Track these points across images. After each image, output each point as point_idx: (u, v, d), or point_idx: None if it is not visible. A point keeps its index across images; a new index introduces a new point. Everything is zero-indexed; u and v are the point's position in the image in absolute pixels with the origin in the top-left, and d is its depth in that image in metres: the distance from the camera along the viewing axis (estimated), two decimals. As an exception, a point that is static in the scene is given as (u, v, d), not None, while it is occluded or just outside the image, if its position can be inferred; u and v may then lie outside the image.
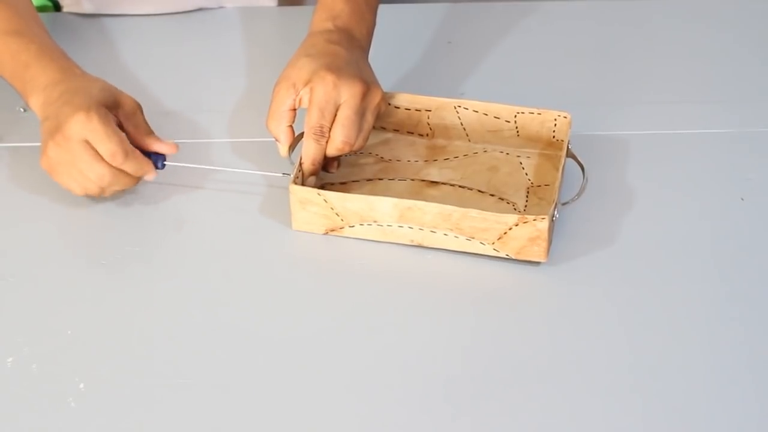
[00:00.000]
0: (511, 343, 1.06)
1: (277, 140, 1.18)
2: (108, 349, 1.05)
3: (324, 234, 1.15)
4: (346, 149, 1.15)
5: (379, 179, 1.21)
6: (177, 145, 1.17)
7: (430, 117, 1.24)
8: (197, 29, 1.45)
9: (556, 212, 1.11)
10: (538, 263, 1.12)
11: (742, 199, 1.20)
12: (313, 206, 1.14)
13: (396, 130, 1.26)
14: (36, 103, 1.17)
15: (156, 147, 1.17)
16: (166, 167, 1.18)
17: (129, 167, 1.13)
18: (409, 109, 1.24)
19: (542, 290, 1.11)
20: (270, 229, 1.16)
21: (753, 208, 1.19)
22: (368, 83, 1.16)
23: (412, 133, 1.26)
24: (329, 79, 1.14)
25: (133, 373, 1.03)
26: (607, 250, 1.14)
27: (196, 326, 1.07)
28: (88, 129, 1.11)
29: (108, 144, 1.11)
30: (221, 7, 1.47)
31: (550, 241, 1.11)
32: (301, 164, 1.15)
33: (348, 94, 1.14)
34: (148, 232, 1.16)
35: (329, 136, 1.14)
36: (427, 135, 1.25)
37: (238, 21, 1.45)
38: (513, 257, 1.11)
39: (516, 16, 1.47)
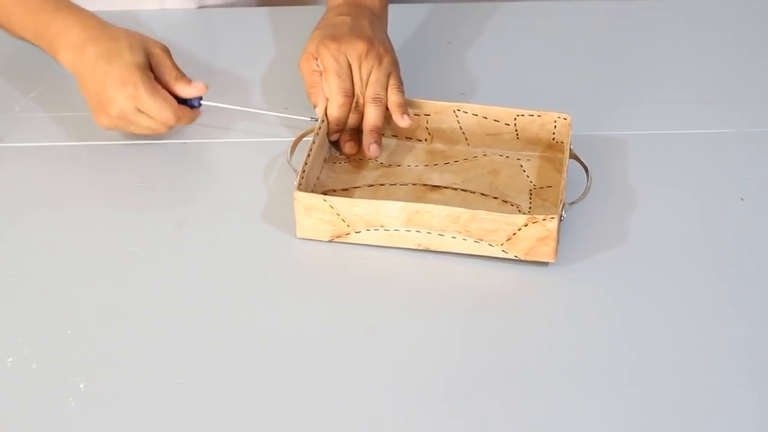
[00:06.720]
0: (523, 345, 1.05)
1: (314, 106, 1.25)
2: (108, 349, 1.05)
3: (329, 241, 1.14)
4: (380, 104, 1.22)
5: (381, 185, 1.20)
6: (206, 86, 1.23)
7: (428, 121, 1.24)
8: (197, 27, 1.45)
9: (563, 212, 1.11)
10: (544, 265, 1.11)
11: (742, 199, 1.20)
12: (319, 212, 1.12)
13: (394, 136, 1.25)
14: (66, 59, 1.23)
15: (185, 93, 1.23)
16: (202, 112, 1.25)
17: (178, 124, 1.22)
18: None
19: (550, 291, 1.10)
20: (273, 238, 1.15)
21: (753, 208, 1.19)
22: (371, 41, 1.23)
23: (411, 138, 1.25)
24: (332, 46, 1.22)
25: (133, 373, 1.03)
26: (611, 251, 1.13)
27: (196, 326, 1.07)
28: (138, 101, 1.19)
29: (160, 115, 1.20)
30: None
31: (558, 241, 1.11)
32: (304, 170, 1.14)
33: (353, 56, 1.22)
34: (148, 233, 1.16)
35: (360, 99, 1.22)
36: (426, 140, 1.25)
37: (252, 19, 1.46)
38: (522, 258, 1.11)
39: (516, 16, 1.47)
